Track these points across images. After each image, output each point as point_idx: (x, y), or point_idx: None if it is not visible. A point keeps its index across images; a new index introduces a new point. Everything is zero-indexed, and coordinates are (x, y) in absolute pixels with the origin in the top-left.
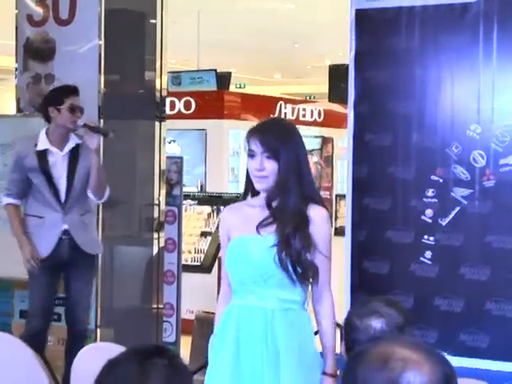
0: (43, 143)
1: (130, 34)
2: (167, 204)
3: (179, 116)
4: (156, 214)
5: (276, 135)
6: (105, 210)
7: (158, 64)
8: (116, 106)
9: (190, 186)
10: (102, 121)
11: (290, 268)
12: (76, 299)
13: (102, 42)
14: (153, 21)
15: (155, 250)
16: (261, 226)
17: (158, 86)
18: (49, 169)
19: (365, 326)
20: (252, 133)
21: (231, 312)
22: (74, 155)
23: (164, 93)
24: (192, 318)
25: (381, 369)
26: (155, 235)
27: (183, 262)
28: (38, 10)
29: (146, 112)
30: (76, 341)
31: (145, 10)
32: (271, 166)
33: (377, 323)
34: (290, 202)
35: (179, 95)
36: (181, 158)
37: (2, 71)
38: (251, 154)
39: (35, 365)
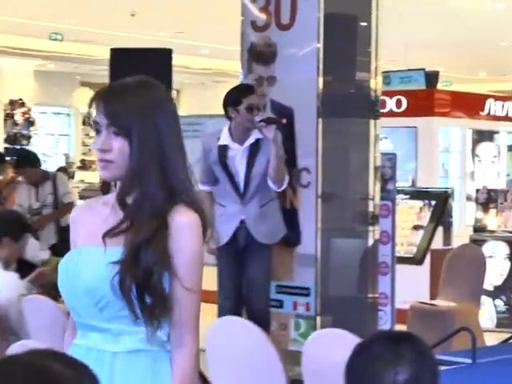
0: (225, 139)
1: (345, 37)
2: (381, 198)
3: (390, 114)
4: (371, 208)
5: (130, 103)
6: (322, 204)
7: (373, 66)
8: (333, 105)
9: (401, 181)
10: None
11: (134, 296)
12: (253, 284)
13: (320, 45)
14: (363, 23)
15: (370, 242)
16: (110, 233)
17: (372, 86)
18: (228, 163)
19: None
20: (96, 97)
21: None
22: (254, 149)
23: (378, 93)
24: (405, 308)
25: None
26: (370, 228)
27: (396, 254)
28: (262, 17)
29: (361, 111)
30: (254, 322)
31: (358, 13)
32: (119, 147)
33: None
34: (146, 200)
35: (390, 94)
36: (394, 155)
37: (221, 74)
38: (96, 129)
39: (269, 347)
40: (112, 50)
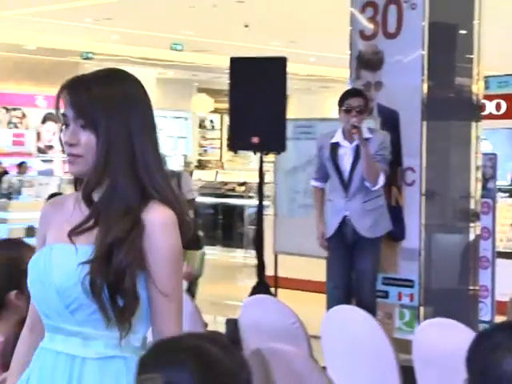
0: (337, 137)
1: (448, 44)
2: (482, 196)
3: (490, 117)
4: (472, 206)
5: (97, 94)
6: (426, 202)
7: (475, 71)
8: (436, 108)
9: (500, 180)
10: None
11: (106, 298)
12: (362, 276)
13: (424, 52)
14: (464, 31)
15: (471, 237)
16: (77, 230)
17: (474, 91)
18: (337, 159)
19: None
20: (63, 88)
21: (35, 359)
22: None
23: (480, 97)
24: (505, 300)
25: None
26: (471, 224)
27: (496, 249)
28: (369, 26)
29: (463, 114)
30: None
31: (460, 22)
32: (86, 140)
33: None
34: (115, 196)
35: (489, 98)
36: (495, 155)
37: (327, 80)
38: (64, 122)
39: (381, 335)
40: (231, 58)
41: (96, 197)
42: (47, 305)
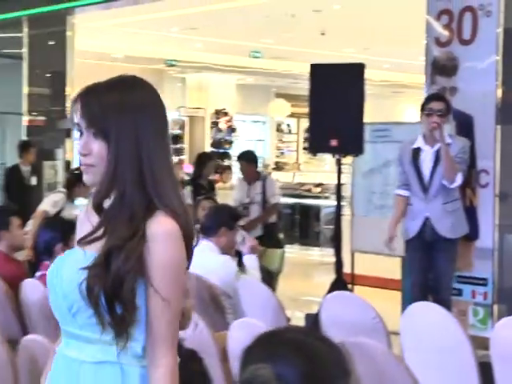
0: (418, 142)
1: None
2: None
3: None
4: None
5: (107, 103)
6: (499, 203)
7: None
8: (511, 113)
9: None
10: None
11: (103, 303)
12: (439, 275)
13: (499, 58)
14: None
15: None
16: (86, 238)
17: None
18: (418, 163)
19: None
20: (76, 98)
21: (53, 363)
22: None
23: None
24: None
25: None
26: None
27: None
28: (445, 33)
29: None
30: None
31: None
32: (98, 150)
33: None
34: (123, 205)
35: None
36: None
37: (400, 86)
38: (79, 131)
39: (460, 331)
40: (312, 65)
41: (107, 205)
42: (57, 308)
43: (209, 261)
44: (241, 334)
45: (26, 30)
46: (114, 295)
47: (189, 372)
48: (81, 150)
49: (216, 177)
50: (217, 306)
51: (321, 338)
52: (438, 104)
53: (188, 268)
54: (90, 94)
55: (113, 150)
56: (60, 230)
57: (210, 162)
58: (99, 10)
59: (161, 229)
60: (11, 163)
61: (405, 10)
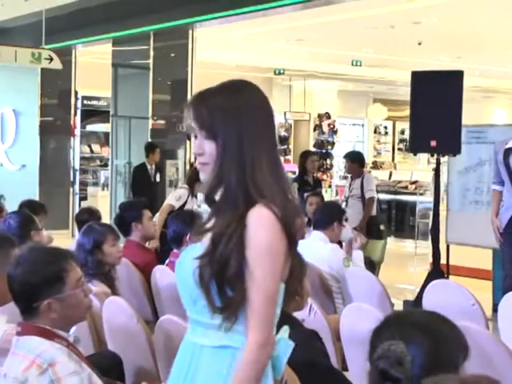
0: (511, 143)
1: None
2: None
3: None
4: None
5: (213, 106)
6: None
7: None
8: None
9: None
10: None
11: (215, 289)
12: None
13: None
14: None
15: None
16: (198, 229)
17: None
18: (509, 162)
19: None
20: (188, 103)
21: (179, 349)
22: None
23: None
24: None
25: None
26: None
27: None
28: None
29: None
30: None
31: None
32: (209, 149)
33: None
34: (227, 199)
35: None
36: None
37: (489, 91)
38: (194, 133)
39: None
40: (413, 72)
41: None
42: (183, 296)
43: (319, 249)
44: (352, 318)
45: (151, 43)
46: (223, 278)
47: (313, 349)
48: (196, 150)
49: (319, 175)
50: (326, 291)
51: (442, 318)
52: None
53: (293, 253)
54: (200, 99)
55: (219, 149)
56: (189, 222)
57: (310, 157)
58: (216, 25)
59: (257, 217)
60: (136, 163)
61: (496, 22)
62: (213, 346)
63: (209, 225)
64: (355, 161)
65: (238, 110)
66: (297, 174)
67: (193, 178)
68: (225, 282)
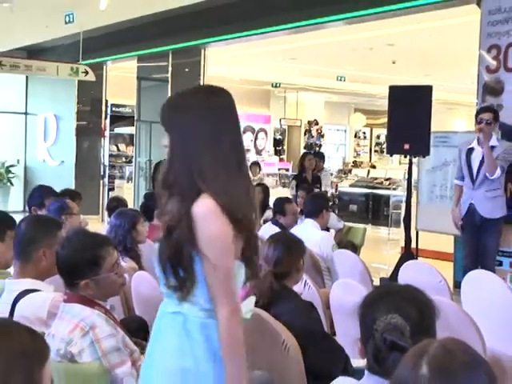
0: (473, 144)
1: None
2: None
3: None
4: None
5: (168, 104)
6: None
7: None
8: None
9: None
10: None
11: (169, 268)
12: (485, 249)
13: None
14: None
15: None
16: (158, 214)
17: None
18: (470, 160)
19: None
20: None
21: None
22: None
23: None
24: None
25: None
26: None
27: None
28: (493, 63)
29: None
30: None
31: None
32: (167, 143)
33: None
34: (175, 189)
35: None
36: None
37: (452, 104)
38: None
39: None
40: (390, 86)
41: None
42: (157, 272)
43: (312, 235)
44: (340, 292)
45: (170, 60)
46: (177, 262)
47: (311, 318)
48: (164, 144)
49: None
50: (316, 269)
51: (423, 293)
52: (486, 114)
53: (244, 235)
54: (167, 101)
55: (169, 144)
56: None
57: (307, 156)
58: (224, 46)
59: (200, 208)
60: (156, 160)
61: (459, 46)
62: (171, 312)
63: (166, 208)
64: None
65: (185, 109)
66: (297, 172)
67: None
68: (178, 265)
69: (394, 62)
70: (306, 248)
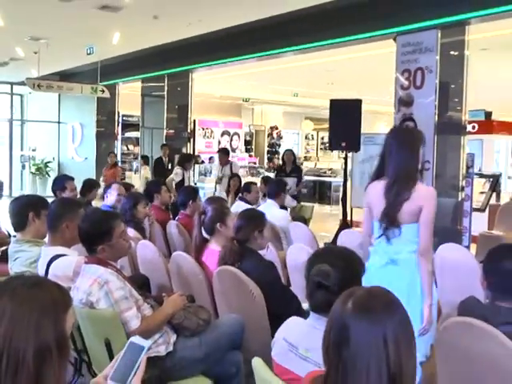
0: None
1: (449, 93)
2: (466, 177)
3: (469, 133)
4: (460, 182)
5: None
6: (435, 179)
7: (463, 108)
8: (442, 128)
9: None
10: (436, 136)
11: None
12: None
13: (436, 97)
14: (453, 85)
15: (459, 199)
16: None
17: (463, 118)
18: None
19: None
20: None
21: None
22: None
23: (466, 122)
24: (475, 235)
25: None
26: (459, 193)
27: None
28: (406, 82)
29: (455, 131)
30: None
31: (452, 79)
32: None
33: None
34: None
35: (469, 122)
36: (473, 154)
37: (375, 112)
38: None
39: None
40: (331, 100)
41: None
42: None
43: (274, 212)
44: (294, 253)
45: (166, 81)
46: None
47: (272, 275)
48: None
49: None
50: (276, 237)
51: (351, 251)
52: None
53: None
54: None
55: None
56: (191, 193)
57: (286, 153)
58: (206, 70)
59: None
60: (155, 156)
61: (380, 70)
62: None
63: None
64: (226, 155)
65: None
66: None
67: (181, 160)
68: None
69: (332, 83)
70: (267, 221)
